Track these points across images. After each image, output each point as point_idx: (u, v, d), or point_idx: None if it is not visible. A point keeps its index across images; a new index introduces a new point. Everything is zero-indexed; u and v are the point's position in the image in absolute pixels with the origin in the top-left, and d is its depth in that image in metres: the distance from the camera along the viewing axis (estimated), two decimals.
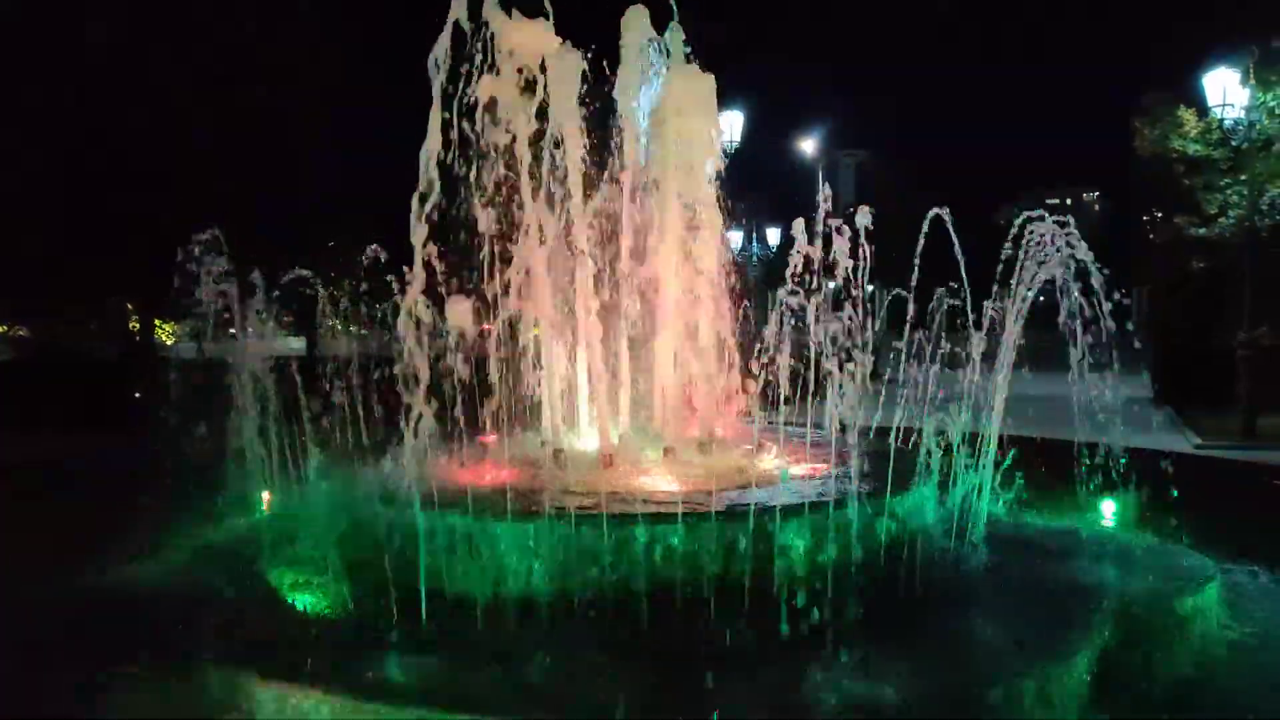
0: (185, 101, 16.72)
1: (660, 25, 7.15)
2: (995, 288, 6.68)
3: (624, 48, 6.92)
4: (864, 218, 6.17)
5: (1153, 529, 6.99)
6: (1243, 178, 18.32)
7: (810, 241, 6.46)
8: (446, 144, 5.54)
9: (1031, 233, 6.32)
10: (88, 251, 16.84)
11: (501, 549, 5.00)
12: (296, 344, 22.45)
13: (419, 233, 5.02)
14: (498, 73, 6.02)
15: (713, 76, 6.94)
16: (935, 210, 6.59)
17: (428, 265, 5.03)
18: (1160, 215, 23.53)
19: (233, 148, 17.28)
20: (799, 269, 6.39)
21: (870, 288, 6.84)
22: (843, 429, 6.23)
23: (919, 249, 6.37)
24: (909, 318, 6.97)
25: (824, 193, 6.47)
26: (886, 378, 7.32)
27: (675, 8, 7.06)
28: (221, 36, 17.36)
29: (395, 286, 5.14)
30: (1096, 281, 5.92)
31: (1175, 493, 6.57)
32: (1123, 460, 6.46)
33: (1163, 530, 6.90)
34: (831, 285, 6.30)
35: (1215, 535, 6.86)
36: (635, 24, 6.97)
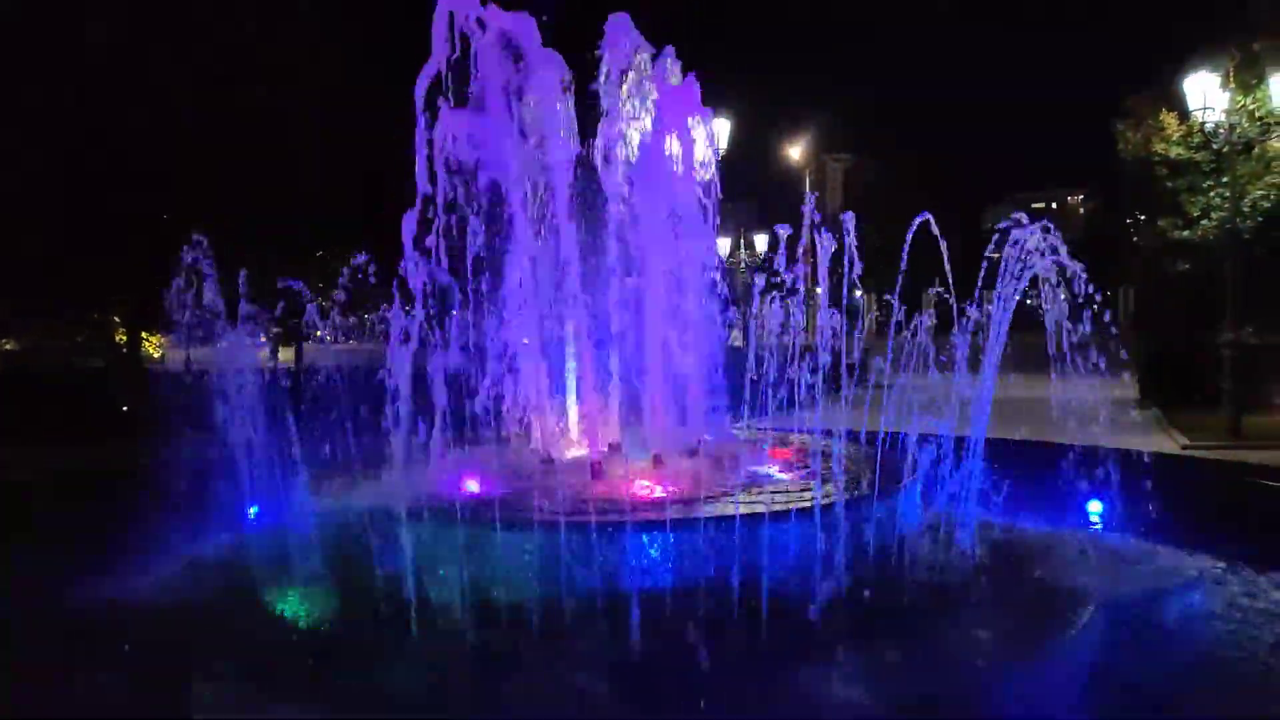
0: (184, 102, 16.68)
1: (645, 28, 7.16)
2: (980, 291, 6.72)
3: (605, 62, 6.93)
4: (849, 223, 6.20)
5: (1144, 530, 7.01)
6: (1225, 180, 18.47)
7: (796, 247, 6.50)
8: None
9: (1016, 238, 6.36)
10: (87, 252, 16.74)
11: None
12: (285, 354, 22.35)
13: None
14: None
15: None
16: (922, 214, 6.62)
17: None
18: (1144, 218, 23.68)
19: (231, 149, 17.26)
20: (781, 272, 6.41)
21: (858, 293, 6.87)
22: (828, 434, 6.26)
23: (904, 253, 6.40)
24: (895, 322, 7.00)
25: (810, 201, 6.51)
26: (873, 382, 7.35)
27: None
28: (221, 37, 17.33)
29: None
30: (1080, 284, 5.96)
31: (1165, 494, 6.60)
32: (1111, 462, 6.49)
33: (1153, 531, 6.92)
34: (820, 290, 6.33)
35: (1205, 535, 6.89)
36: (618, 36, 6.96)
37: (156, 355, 22.26)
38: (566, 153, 6.67)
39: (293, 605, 5.53)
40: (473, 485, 5.91)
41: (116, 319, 20.52)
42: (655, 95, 7.09)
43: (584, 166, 6.97)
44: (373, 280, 5.69)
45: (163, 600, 5.67)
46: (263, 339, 6.53)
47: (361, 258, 6.51)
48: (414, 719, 4.16)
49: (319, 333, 7.54)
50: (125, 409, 15.44)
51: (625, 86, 7.18)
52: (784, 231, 6.55)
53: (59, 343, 20.86)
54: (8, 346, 22.78)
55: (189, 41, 17.01)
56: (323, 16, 18.92)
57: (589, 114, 7.04)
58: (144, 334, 20.75)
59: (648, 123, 7.14)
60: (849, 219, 6.13)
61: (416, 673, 4.56)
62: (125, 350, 20.41)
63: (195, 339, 6.36)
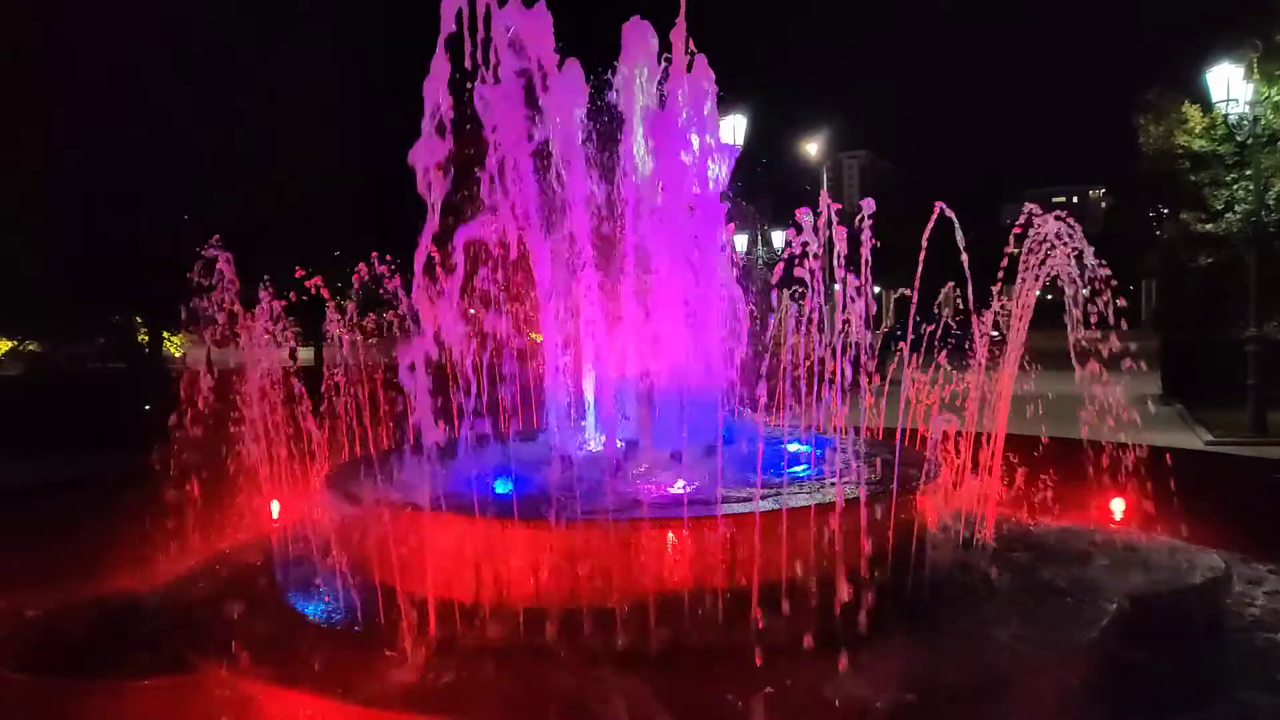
0: (185, 120, 16.83)
1: (662, 27, 7.13)
2: (999, 286, 6.67)
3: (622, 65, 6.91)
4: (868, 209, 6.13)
5: (1169, 527, 6.93)
6: (1249, 173, 18.24)
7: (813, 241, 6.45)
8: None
9: (1036, 231, 6.31)
10: (88, 269, 16.92)
11: None
12: (304, 354, 22.46)
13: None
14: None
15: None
16: (939, 209, 6.57)
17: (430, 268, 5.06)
18: (1166, 211, 23.42)
19: (232, 163, 17.44)
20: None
21: (876, 288, 6.83)
22: (847, 431, 6.22)
23: (922, 248, 6.35)
24: (914, 318, 6.96)
25: (826, 198, 6.46)
26: (890, 378, 7.31)
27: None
28: (221, 54, 17.46)
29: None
30: (1101, 279, 5.91)
31: (1190, 490, 6.53)
32: (1135, 458, 6.42)
33: (1179, 528, 6.85)
34: (836, 286, 6.29)
35: (1232, 532, 6.81)
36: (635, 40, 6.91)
37: (178, 355, 22.47)
38: (582, 146, 6.65)
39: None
40: (491, 483, 5.92)
41: (139, 320, 20.73)
42: (669, 87, 7.06)
43: (600, 161, 6.95)
44: (390, 274, 5.73)
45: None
46: (282, 339, 6.59)
47: (376, 260, 6.56)
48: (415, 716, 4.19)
49: (339, 332, 7.60)
50: (148, 409, 15.62)
51: (641, 83, 7.15)
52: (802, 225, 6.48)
53: (76, 346, 21.10)
54: (31, 348, 23.04)
55: (189, 60, 17.13)
56: (322, 32, 19.02)
57: (601, 107, 7.02)
58: (165, 334, 20.96)
59: (661, 115, 7.12)
60: (868, 204, 6.07)
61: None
62: (148, 351, 20.62)
63: (216, 340, 6.42)
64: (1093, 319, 6.06)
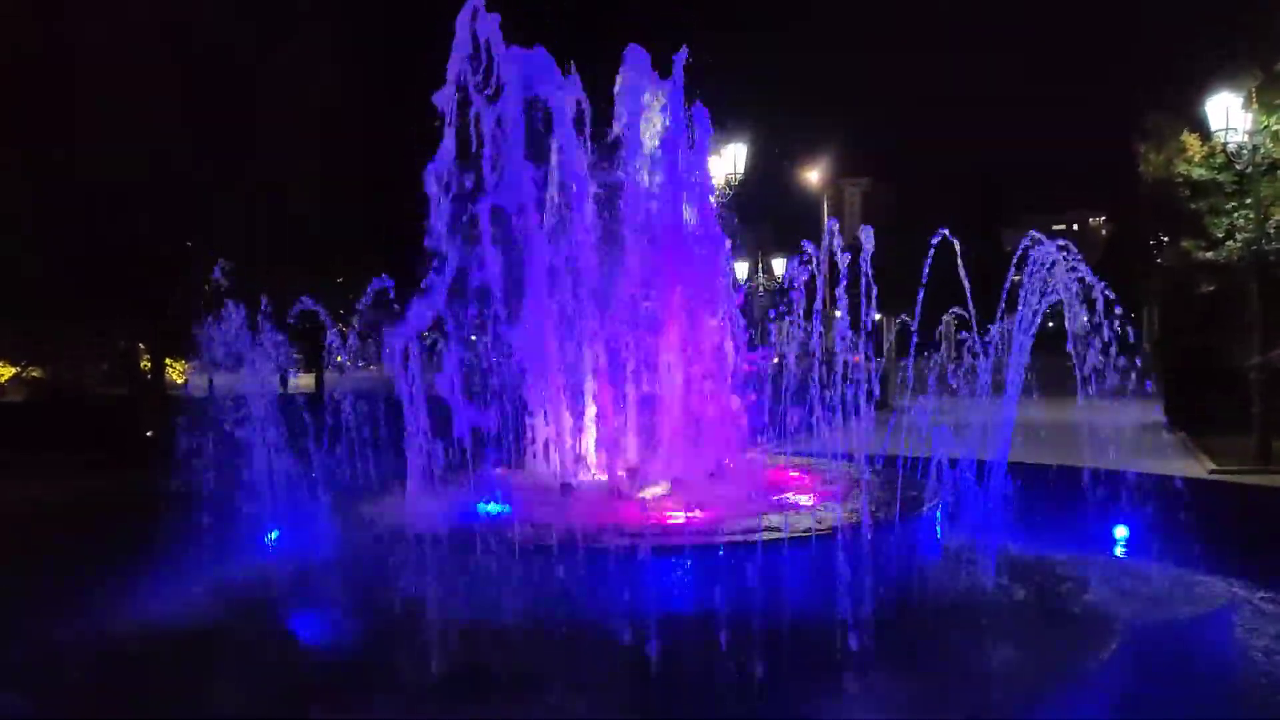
0: (184, 129, 16.87)
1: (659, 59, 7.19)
2: (1001, 312, 6.67)
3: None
4: (867, 240, 6.17)
5: (1170, 557, 6.87)
6: (1249, 201, 18.27)
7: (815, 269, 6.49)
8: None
9: (1036, 258, 6.32)
10: (88, 269, 16.91)
11: None
12: (304, 380, 22.51)
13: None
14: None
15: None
16: (941, 234, 6.59)
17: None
18: (1167, 238, 23.45)
19: (232, 175, 17.49)
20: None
21: (877, 316, 6.84)
22: (846, 458, 6.22)
23: (924, 276, 6.37)
24: (914, 344, 6.96)
25: (829, 223, 6.50)
26: (892, 405, 7.28)
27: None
28: (221, 63, 17.51)
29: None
30: (1103, 305, 5.91)
31: (1192, 519, 6.48)
32: (1136, 487, 6.39)
33: (1180, 558, 6.79)
34: (839, 314, 6.31)
35: (1234, 561, 6.76)
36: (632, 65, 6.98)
37: (180, 381, 22.44)
38: (583, 179, 6.70)
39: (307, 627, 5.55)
40: (492, 511, 5.90)
41: (141, 345, 20.73)
42: (667, 125, 7.12)
43: (599, 192, 6.99)
44: (393, 300, 5.74)
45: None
46: (284, 365, 6.59)
47: (380, 281, 6.57)
48: None
49: (339, 358, 7.59)
50: (149, 434, 15.61)
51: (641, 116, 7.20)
52: (803, 257, 6.52)
53: (76, 371, 21.09)
54: (34, 374, 23.06)
55: (188, 68, 17.18)
56: (322, 43, 19.06)
57: (601, 133, 7.07)
58: (168, 360, 20.95)
59: (660, 151, 7.16)
60: (867, 232, 6.11)
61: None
62: (150, 377, 20.60)
63: (218, 366, 6.42)
64: (1096, 345, 6.05)
